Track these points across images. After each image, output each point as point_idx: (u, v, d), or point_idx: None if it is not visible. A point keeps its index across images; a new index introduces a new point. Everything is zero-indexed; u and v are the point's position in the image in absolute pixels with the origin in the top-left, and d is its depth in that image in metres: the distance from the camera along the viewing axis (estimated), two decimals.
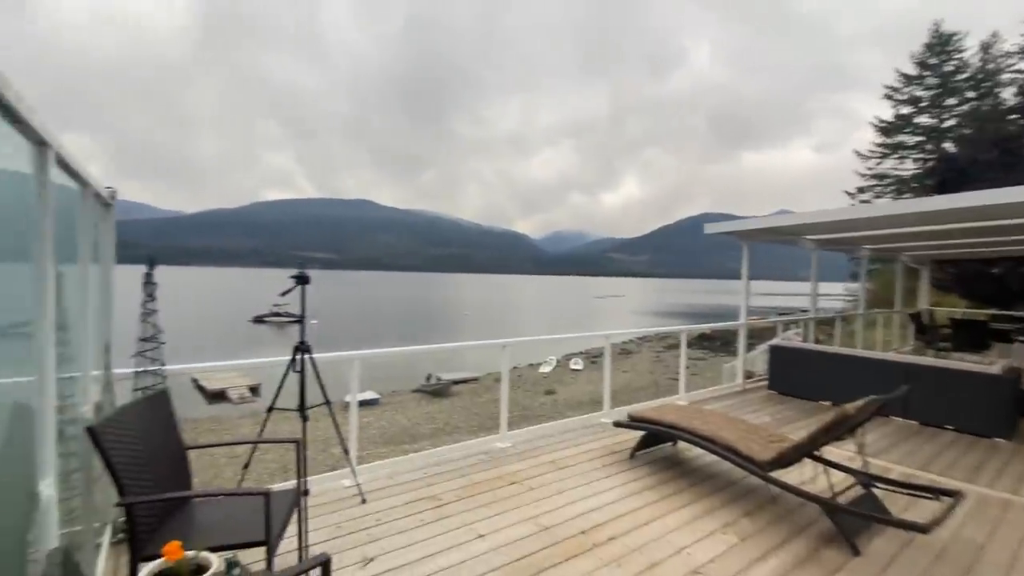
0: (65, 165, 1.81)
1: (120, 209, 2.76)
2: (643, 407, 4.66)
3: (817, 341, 8.70)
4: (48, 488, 1.54)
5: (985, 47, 23.37)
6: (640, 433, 4.23)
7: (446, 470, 3.82)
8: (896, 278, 11.79)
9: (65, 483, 1.96)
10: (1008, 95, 21.99)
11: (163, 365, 2.79)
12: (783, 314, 15.02)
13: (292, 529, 2.49)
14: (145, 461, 2.12)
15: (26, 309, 1.49)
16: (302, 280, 2.96)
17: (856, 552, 2.80)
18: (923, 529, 2.66)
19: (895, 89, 25.22)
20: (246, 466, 3.06)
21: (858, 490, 3.28)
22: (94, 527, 2.36)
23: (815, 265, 8.32)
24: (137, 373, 2.73)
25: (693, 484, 3.69)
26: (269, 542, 2.00)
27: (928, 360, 6.07)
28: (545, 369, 24.15)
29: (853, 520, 3.00)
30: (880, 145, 25.39)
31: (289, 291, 2.93)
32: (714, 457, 3.94)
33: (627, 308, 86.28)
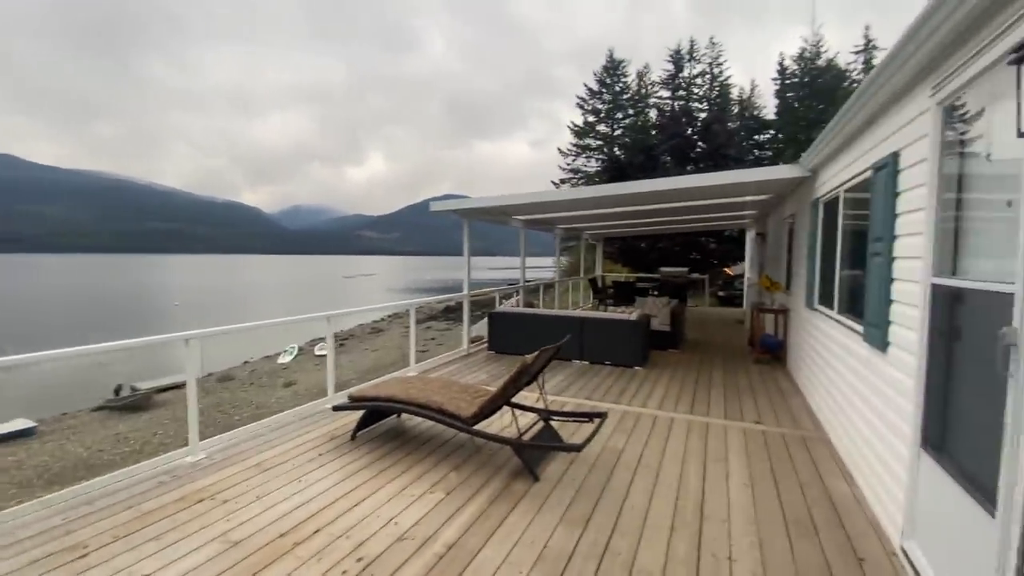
0: None
1: None
2: (364, 386, 4.58)
3: (530, 306, 10.18)
4: None
5: (640, 75, 31.03)
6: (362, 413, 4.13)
7: (102, 507, 2.95)
8: (581, 251, 14.86)
9: None
10: (652, 115, 29.98)
11: None
12: (510, 285, 17.29)
13: None
14: None
15: None
16: None
17: (536, 479, 3.34)
18: (577, 448, 3.33)
19: (584, 100, 31.21)
20: None
21: (540, 425, 3.92)
22: None
23: (523, 241, 9.67)
24: None
25: (410, 452, 3.79)
26: None
27: (596, 313, 7.77)
28: (285, 359, 21.82)
29: (534, 452, 3.56)
30: (575, 145, 31.19)
31: None
32: (431, 422, 4.15)
33: (380, 286, 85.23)
